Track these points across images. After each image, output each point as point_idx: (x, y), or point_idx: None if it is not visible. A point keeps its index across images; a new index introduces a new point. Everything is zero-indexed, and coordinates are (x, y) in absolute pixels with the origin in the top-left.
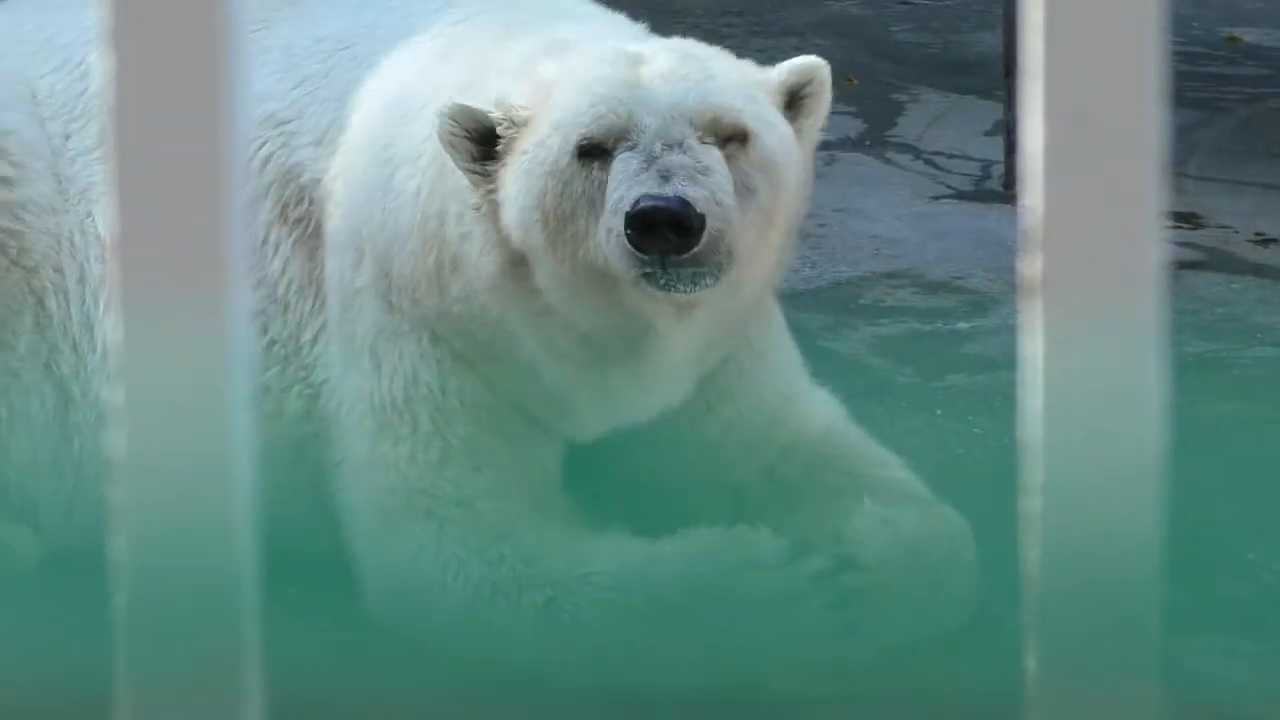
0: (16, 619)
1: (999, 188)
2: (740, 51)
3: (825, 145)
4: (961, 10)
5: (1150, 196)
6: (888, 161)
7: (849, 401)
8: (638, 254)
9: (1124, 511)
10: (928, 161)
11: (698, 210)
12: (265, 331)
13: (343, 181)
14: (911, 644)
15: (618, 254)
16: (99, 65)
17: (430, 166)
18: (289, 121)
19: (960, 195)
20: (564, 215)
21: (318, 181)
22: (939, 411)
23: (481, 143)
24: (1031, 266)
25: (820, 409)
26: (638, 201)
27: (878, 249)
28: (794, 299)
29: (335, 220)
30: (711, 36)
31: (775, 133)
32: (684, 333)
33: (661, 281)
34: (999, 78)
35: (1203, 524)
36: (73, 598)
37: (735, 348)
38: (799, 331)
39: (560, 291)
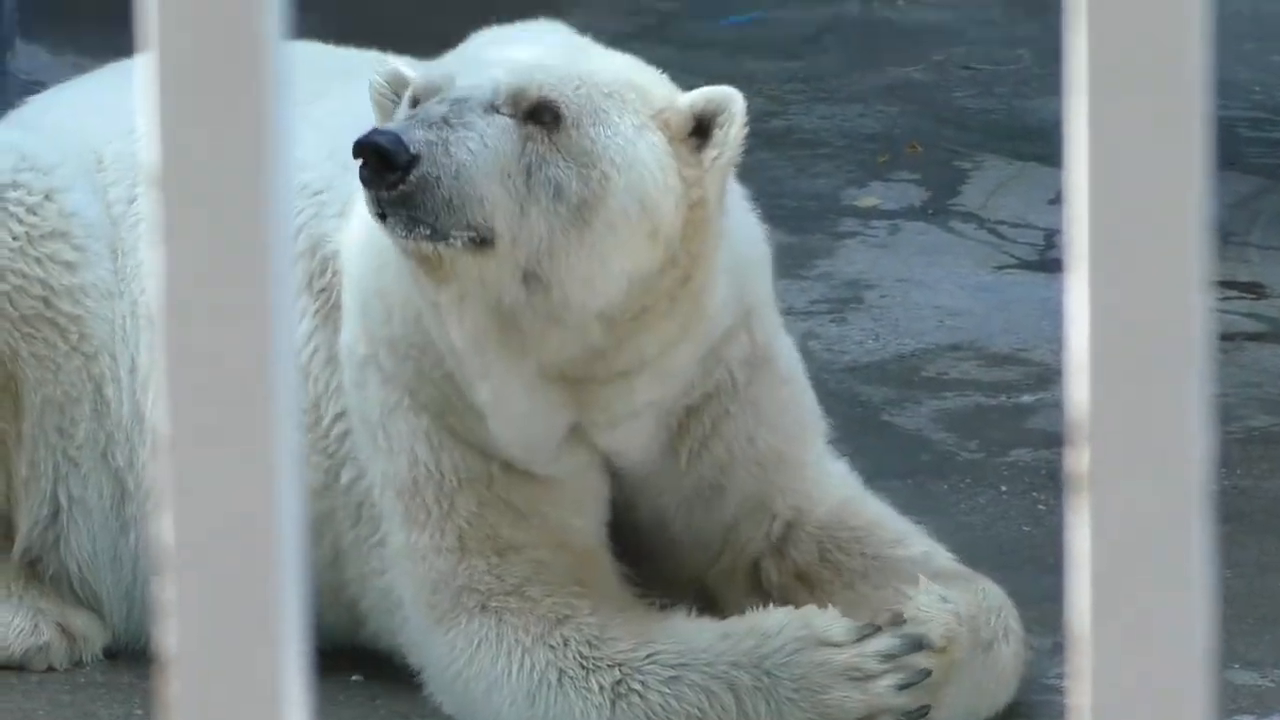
0: (87, 701)
1: (1062, 257)
2: (803, 118)
3: (888, 215)
4: (1025, 75)
5: (1195, 391)
6: (951, 230)
7: (912, 476)
8: (367, 189)
9: (1172, 705)
10: (991, 230)
11: (410, 150)
12: None
13: (346, 246)
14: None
15: (361, 191)
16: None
17: None
18: (321, 192)
19: (1024, 265)
20: None
21: (338, 253)
22: (1003, 487)
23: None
24: (1078, 460)
25: (834, 484)
26: (366, 133)
27: (941, 320)
28: (856, 372)
29: (346, 289)
30: (775, 102)
31: (608, 130)
32: (457, 308)
33: (388, 223)
34: (1062, 144)
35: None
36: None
37: (718, 388)
38: (861, 405)
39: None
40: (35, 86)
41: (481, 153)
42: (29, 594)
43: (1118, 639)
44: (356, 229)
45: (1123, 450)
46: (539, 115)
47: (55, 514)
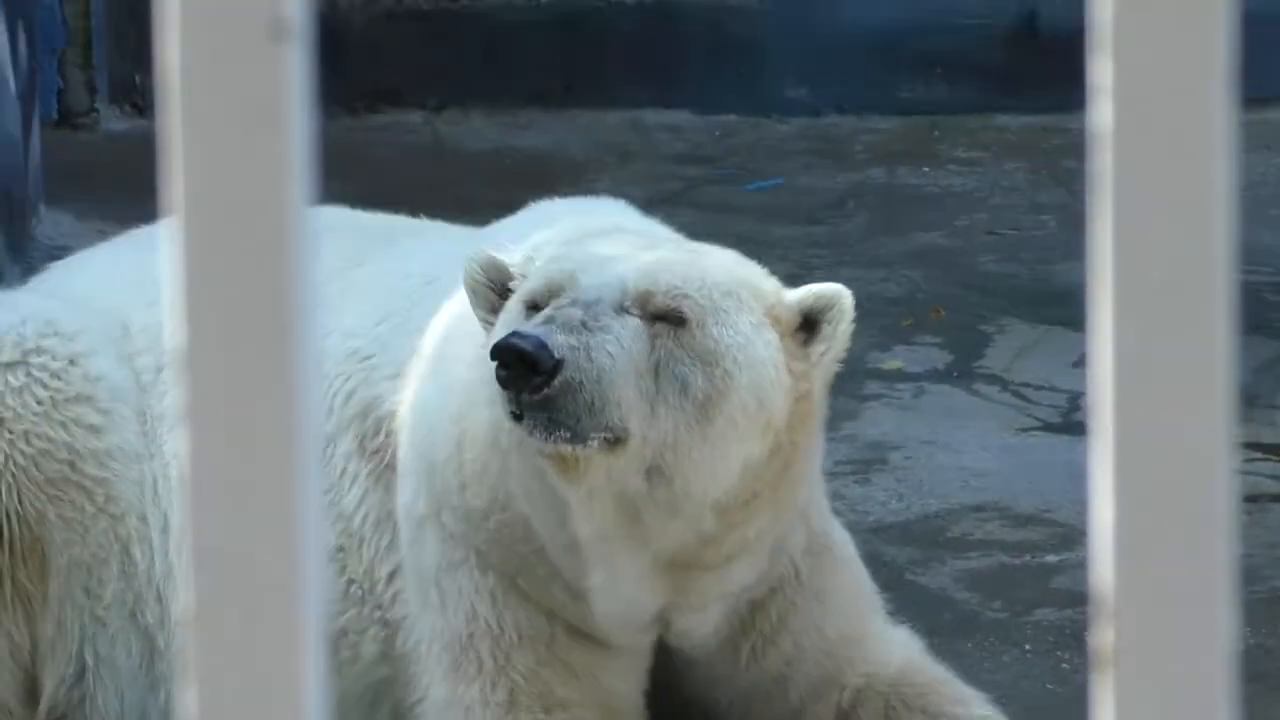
0: None
1: (1086, 420)
2: (827, 282)
3: (913, 378)
4: (1049, 240)
5: (1222, 571)
6: (975, 393)
7: (936, 635)
8: (504, 390)
9: None
10: (1015, 393)
11: (555, 354)
12: (343, 571)
13: (407, 407)
14: None
15: (497, 392)
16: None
17: (461, 344)
18: (371, 356)
19: (1048, 427)
20: None
21: (394, 413)
22: (1028, 647)
23: (501, 294)
24: (1102, 638)
25: (897, 648)
26: (504, 338)
27: (965, 481)
28: (881, 532)
29: (403, 449)
30: (799, 267)
31: (732, 331)
32: (587, 504)
33: (525, 425)
34: (1085, 309)
35: None
36: None
37: (781, 581)
38: (885, 565)
39: (509, 449)
40: (60, 252)
41: (620, 355)
42: None
43: None
44: (420, 395)
45: (1148, 628)
46: (666, 316)
47: (81, 673)
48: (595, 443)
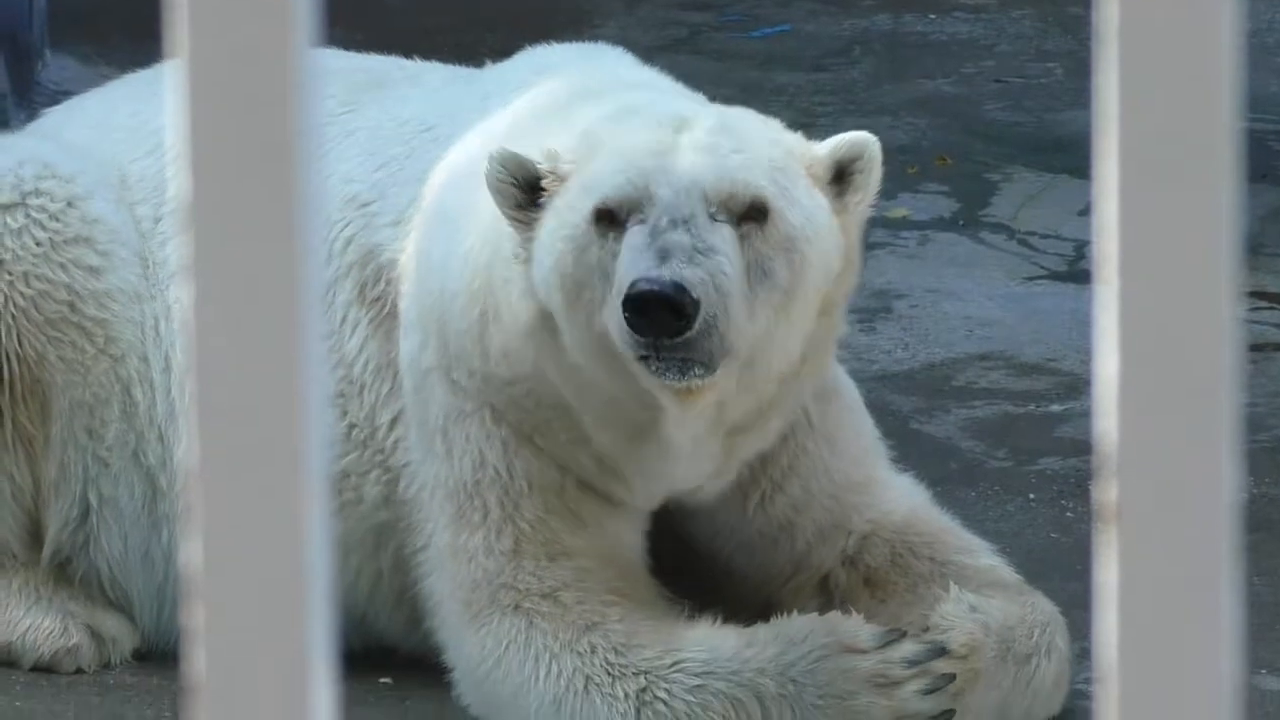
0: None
1: (1092, 269)
2: (833, 129)
3: (918, 225)
4: (1054, 88)
5: (1225, 423)
6: (981, 242)
7: (941, 484)
8: (636, 336)
9: None
10: (1021, 242)
11: (693, 295)
12: (344, 415)
13: (411, 259)
14: None
15: (619, 332)
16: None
17: (484, 221)
18: (371, 203)
19: (1054, 276)
20: (579, 281)
21: (394, 261)
22: (1032, 495)
23: (527, 190)
24: (1106, 492)
25: (902, 495)
26: (635, 284)
27: (971, 330)
28: (886, 381)
29: (405, 299)
30: (805, 115)
31: (800, 210)
32: (693, 413)
33: (654, 367)
34: (1091, 157)
35: None
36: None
37: (793, 426)
38: (891, 414)
39: (579, 354)
40: (64, 97)
41: (734, 275)
42: (58, 596)
43: (1146, 671)
44: (427, 252)
45: (1152, 483)
46: (750, 214)
47: (85, 515)
48: (721, 368)
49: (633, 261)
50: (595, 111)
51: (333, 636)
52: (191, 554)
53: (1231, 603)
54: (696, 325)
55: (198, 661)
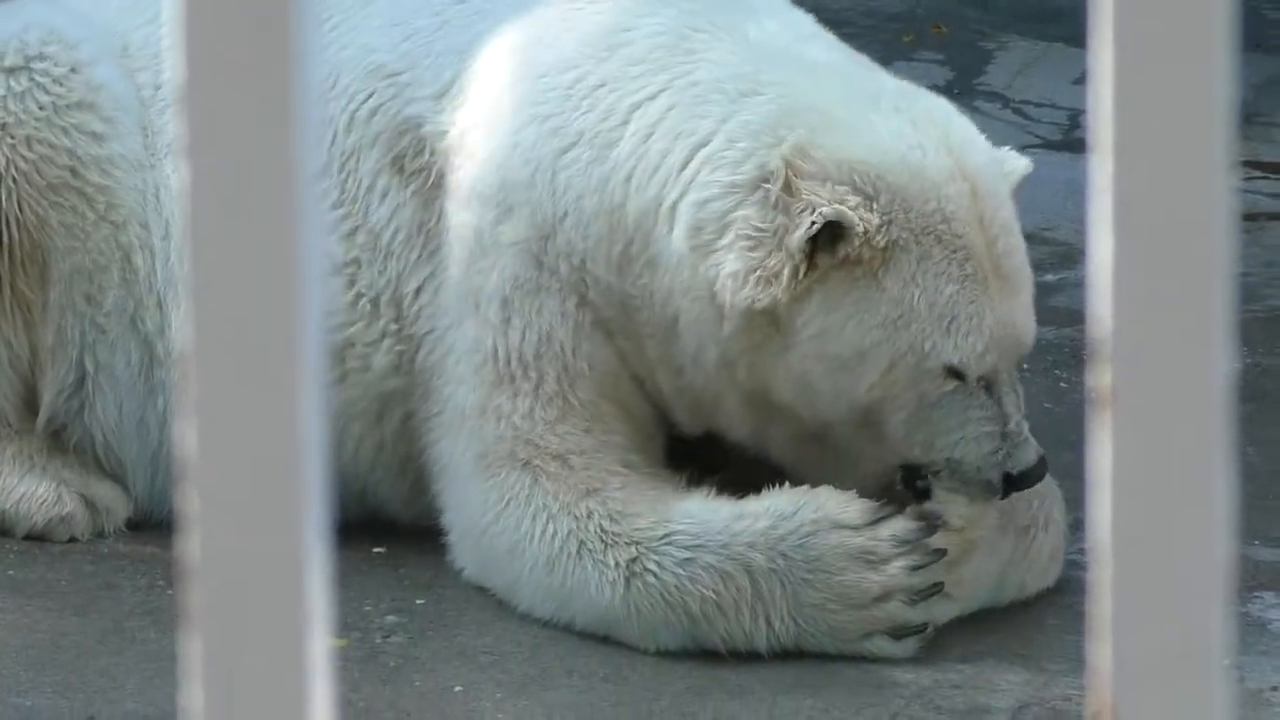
0: (109, 572)
1: (1087, 137)
2: None
3: None
4: None
5: (1219, 309)
6: (976, 110)
7: None
8: (996, 484)
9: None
10: (1016, 110)
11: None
12: (352, 285)
13: (484, 137)
14: (999, 604)
15: (968, 477)
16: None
17: (633, 159)
18: (401, 73)
19: (1048, 145)
20: (883, 402)
21: (443, 133)
22: (1025, 365)
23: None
24: (1100, 378)
25: None
26: (1036, 466)
27: None
28: None
29: (471, 172)
30: None
31: None
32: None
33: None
34: (1087, 25)
35: None
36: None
37: None
38: None
39: (826, 404)
40: None
41: None
42: (52, 464)
43: (1139, 552)
44: (511, 133)
45: (1147, 365)
46: None
47: (81, 381)
48: None
49: (1011, 445)
50: (755, 100)
51: (328, 517)
52: (186, 436)
53: (1226, 484)
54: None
55: (192, 545)
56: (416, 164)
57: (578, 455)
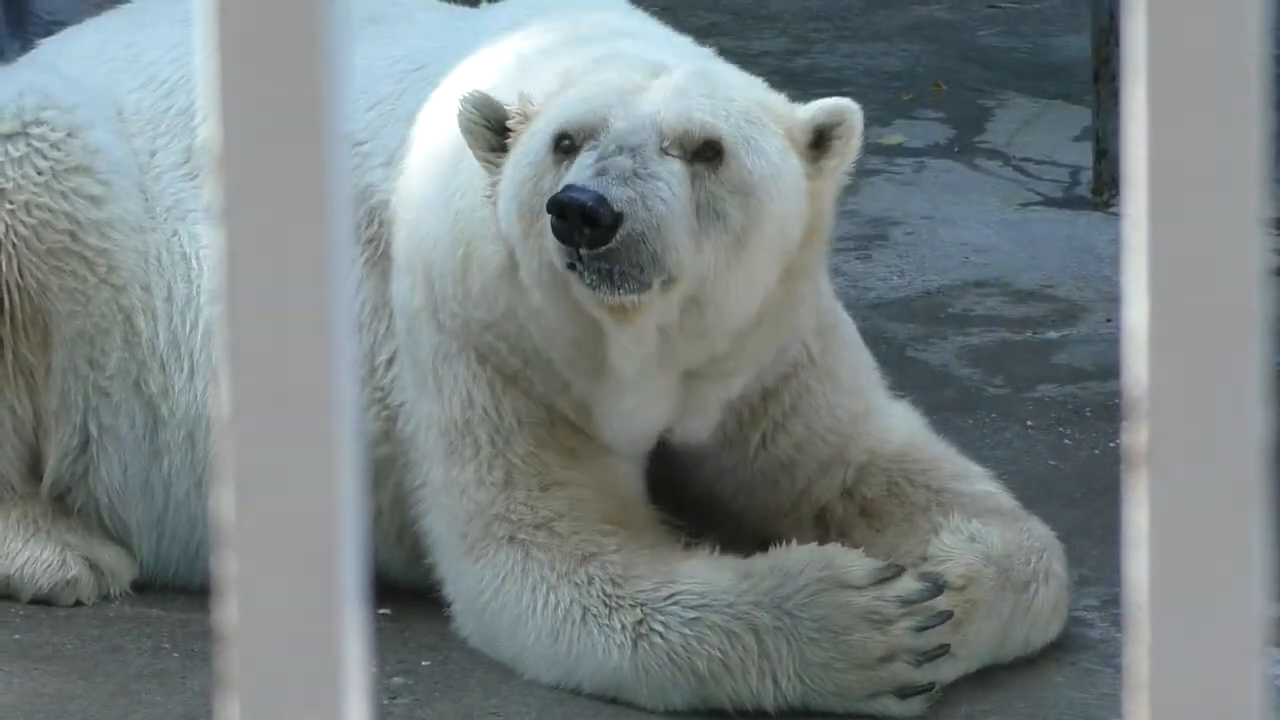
0: (115, 635)
1: (1088, 194)
2: (827, 56)
3: (913, 152)
4: (1049, 13)
5: (1254, 368)
6: (976, 168)
7: (938, 412)
8: (559, 243)
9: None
10: (1016, 168)
11: (614, 208)
12: None
13: (403, 201)
14: (1003, 660)
15: (550, 243)
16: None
17: (467, 164)
18: (364, 143)
19: (1049, 202)
20: (533, 208)
21: (386, 203)
22: (1029, 422)
23: (498, 132)
24: (1137, 437)
25: (899, 423)
26: (563, 189)
27: (967, 257)
28: (882, 308)
29: (397, 241)
30: (799, 41)
31: (763, 160)
32: (633, 341)
33: (585, 277)
34: (1087, 82)
35: None
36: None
37: (795, 365)
38: (887, 342)
39: (534, 285)
40: (57, 27)
41: (673, 202)
42: (57, 528)
43: (1176, 613)
44: (418, 195)
45: (1182, 426)
46: (703, 153)
47: (85, 444)
48: (655, 289)
49: (570, 175)
50: (579, 57)
51: (365, 581)
52: (223, 501)
53: (1262, 542)
54: (618, 238)
55: (230, 610)
56: (369, 234)
57: (560, 520)
